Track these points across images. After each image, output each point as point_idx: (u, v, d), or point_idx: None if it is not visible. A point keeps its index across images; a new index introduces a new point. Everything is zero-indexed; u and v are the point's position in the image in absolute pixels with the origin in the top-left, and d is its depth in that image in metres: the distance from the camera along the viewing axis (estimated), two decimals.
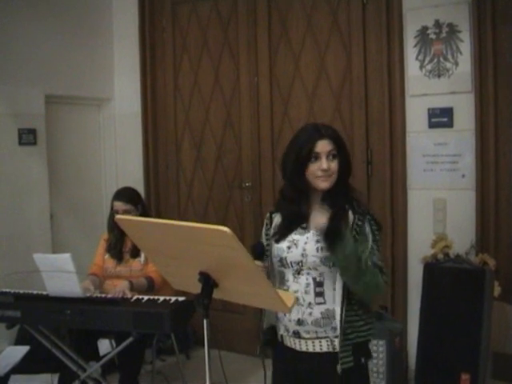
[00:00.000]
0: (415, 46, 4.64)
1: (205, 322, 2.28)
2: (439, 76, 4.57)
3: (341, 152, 2.68)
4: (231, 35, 5.58)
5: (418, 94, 4.68)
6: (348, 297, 2.61)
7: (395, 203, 4.79)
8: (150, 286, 4.33)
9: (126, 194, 4.60)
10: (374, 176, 4.90)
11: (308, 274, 2.64)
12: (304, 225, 2.71)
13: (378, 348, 4.23)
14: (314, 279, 2.64)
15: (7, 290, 4.30)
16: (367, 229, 2.64)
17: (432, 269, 4.28)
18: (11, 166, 5.40)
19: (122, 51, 6.21)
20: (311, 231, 2.68)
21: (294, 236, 2.71)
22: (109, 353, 4.39)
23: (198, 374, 4.84)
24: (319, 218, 2.66)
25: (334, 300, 2.61)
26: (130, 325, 3.83)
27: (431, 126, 4.63)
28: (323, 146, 2.64)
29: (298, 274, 2.66)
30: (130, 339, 3.93)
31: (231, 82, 5.62)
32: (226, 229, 2.01)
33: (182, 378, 5.00)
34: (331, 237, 2.51)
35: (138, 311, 3.83)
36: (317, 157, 2.64)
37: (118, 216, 2.44)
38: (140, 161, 6.14)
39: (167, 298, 4.01)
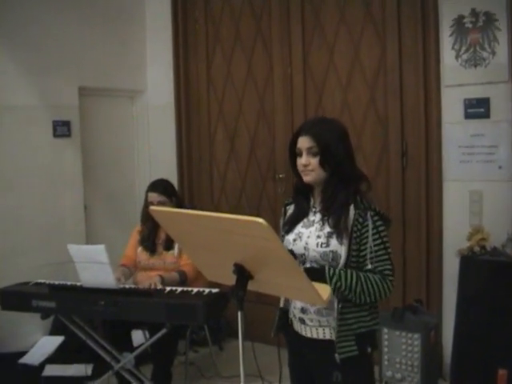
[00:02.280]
0: (451, 35, 4.56)
1: (239, 314, 2.27)
2: (475, 66, 4.49)
3: (324, 149, 2.68)
4: (264, 26, 5.56)
5: (454, 84, 4.60)
6: None
7: (430, 195, 4.72)
8: (183, 281, 4.34)
9: (161, 186, 4.60)
10: (408, 168, 4.84)
11: (311, 263, 2.70)
12: (312, 218, 2.78)
13: (413, 342, 4.18)
14: None
15: (42, 281, 4.34)
16: (370, 225, 2.64)
17: (468, 262, 4.21)
18: (46, 157, 5.45)
19: (154, 42, 6.22)
20: (315, 225, 2.73)
21: (300, 229, 2.79)
22: (142, 344, 4.40)
23: (231, 365, 4.92)
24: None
25: None
26: (163, 316, 3.84)
27: (467, 116, 4.55)
28: (302, 142, 2.73)
29: (303, 265, 2.71)
30: (164, 330, 3.94)
31: (264, 74, 5.60)
32: (261, 220, 1.99)
33: (215, 369, 5.02)
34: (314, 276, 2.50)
35: (172, 303, 3.85)
36: (300, 153, 2.74)
37: (152, 207, 2.43)
38: (173, 152, 6.15)
39: (201, 289, 4.02)
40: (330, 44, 5.17)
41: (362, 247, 2.63)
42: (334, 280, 2.54)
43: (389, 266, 2.65)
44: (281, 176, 5.45)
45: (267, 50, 5.55)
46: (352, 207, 2.66)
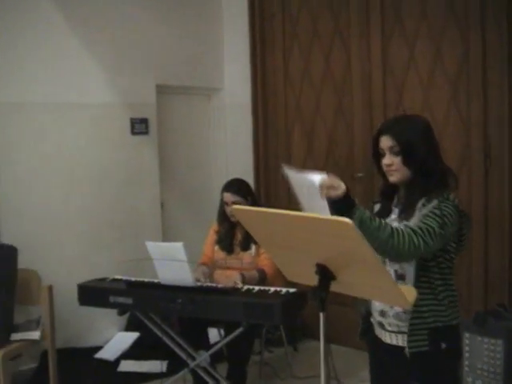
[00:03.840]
0: None
1: (321, 315, 2.22)
2: None
3: (406, 148, 2.60)
4: (342, 23, 5.49)
5: None
6: (428, 281, 2.56)
7: None
8: (262, 279, 4.32)
9: (236, 185, 4.59)
10: (492, 169, 4.67)
11: (390, 266, 2.63)
12: (393, 216, 2.70)
13: (496, 348, 4.05)
14: (396, 271, 2.62)
15: (119, 277, 4.38)
16: (433, 204, 2.52)
17: None
18: (124, 154, 5.53)
19: (232, 40, 6.23)
20: (394, 223, 2.61)
21: None
22: (218, 342, 4.40)
23: (306, 366, 4.88)
24: None
25: None
26: (240, 315, 3.81)
27: None
28: (384, 142, 2.67)
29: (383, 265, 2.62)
30: (240, 329, 3.92)
31: (342, 70, 5.53)
32: (348, 220, 1.94)
33: (290, 369, 4.98)
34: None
35: (249, 301, 3.81)
36: (383, 153, 2.67)
37: (235, 206, 2.40)
38: (250, 151, 6.15)
39: (278, 288, 3.98)
40: (410, 40, 5.05)
41: None
42: (361, 210, 2.35)
43: (427, 226, 2.44)
44: (360, 175, 5.35)
45: (345, 46, 5.48)
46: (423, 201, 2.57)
